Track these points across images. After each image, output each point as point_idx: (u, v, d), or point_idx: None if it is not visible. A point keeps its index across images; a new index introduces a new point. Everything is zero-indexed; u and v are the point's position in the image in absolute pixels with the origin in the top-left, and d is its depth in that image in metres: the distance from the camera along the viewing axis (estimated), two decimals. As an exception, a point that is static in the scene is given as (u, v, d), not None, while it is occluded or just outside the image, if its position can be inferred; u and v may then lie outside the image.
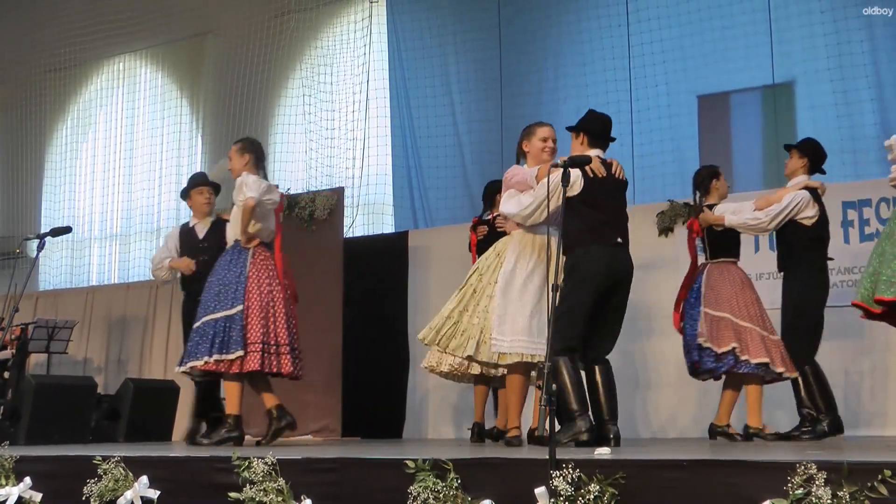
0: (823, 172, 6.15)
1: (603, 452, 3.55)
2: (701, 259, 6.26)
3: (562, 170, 4.59)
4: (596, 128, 5.11)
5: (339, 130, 9.89)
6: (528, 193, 5.07)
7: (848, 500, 2.73)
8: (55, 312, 10.17)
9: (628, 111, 8.79)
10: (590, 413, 4.72)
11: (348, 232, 9.02)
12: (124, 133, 11.88)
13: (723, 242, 6.18)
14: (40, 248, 6.16)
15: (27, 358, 9.04)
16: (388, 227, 9.77)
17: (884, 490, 2.71)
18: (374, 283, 8.77)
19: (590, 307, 4.78)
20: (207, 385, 6.67)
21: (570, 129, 5.19)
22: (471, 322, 5.20)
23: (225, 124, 10.63)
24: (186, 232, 6.93)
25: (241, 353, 5.65)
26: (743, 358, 5.83)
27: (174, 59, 11.78)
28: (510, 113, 9.15)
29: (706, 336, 5.88)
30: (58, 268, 11.81)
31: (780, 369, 5.87)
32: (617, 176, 5.02)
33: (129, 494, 4.02)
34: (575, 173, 4.75)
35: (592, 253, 4.75)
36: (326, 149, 9.88)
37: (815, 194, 5.97)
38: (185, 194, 7.01)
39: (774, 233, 6.15)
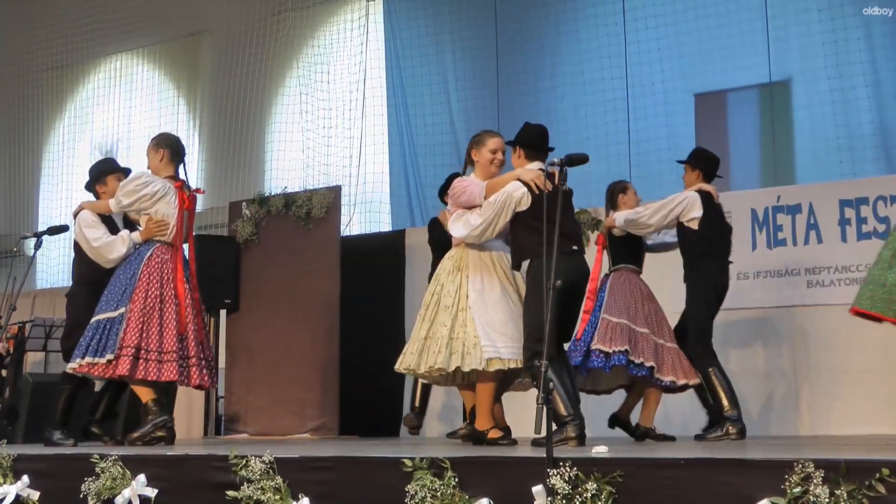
0: (720, 177, 6.10)
1: (600, 451, 3.55)
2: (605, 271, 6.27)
3: (510, 186, 4.86)
4: (533, 141, 5.12)
5: (336, 129, 9.90)
6: (476, 213, 5.07)
7: (846, 498, 2.72)
8: (52, 311, 10.15)
9: (625, 109, 8.79)
10: (580, 416, 4.72)
11: (345, 230, 9.01)
12: (121, 132, 11.87)
13: (623, 249, 6.18)
14: (38, 246, 6.16)
15: (24, 356, 9.03)
16: (385, 225, 9.77)
17: (882, 489, 2.70)
18: (371, 282, 8.76)
19: (557, 318, 4.77)
20: (76, 386, 5.91)
21: (509, 143, 5.20)
22: (444, 335, 5.13)
23: (222, 123, 10.64)
24: (107, 220, 5.95)
25: (110, 356, 5.34)
26: (634, 360, 5.83)
27: (171, 58, 11.77)
28: (507, 112, 9.14)
29: (598, 339, 5.86)
30: (55, 266, 11.80)
31: (667, 377, 5.89)
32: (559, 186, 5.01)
33: (126, 493, 4.02)
34: (521, 191, 4.87)
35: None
36: (323, 147, 9.89)
37: (706, 197, 5.85)
38: (101, 180, 6.04)
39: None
